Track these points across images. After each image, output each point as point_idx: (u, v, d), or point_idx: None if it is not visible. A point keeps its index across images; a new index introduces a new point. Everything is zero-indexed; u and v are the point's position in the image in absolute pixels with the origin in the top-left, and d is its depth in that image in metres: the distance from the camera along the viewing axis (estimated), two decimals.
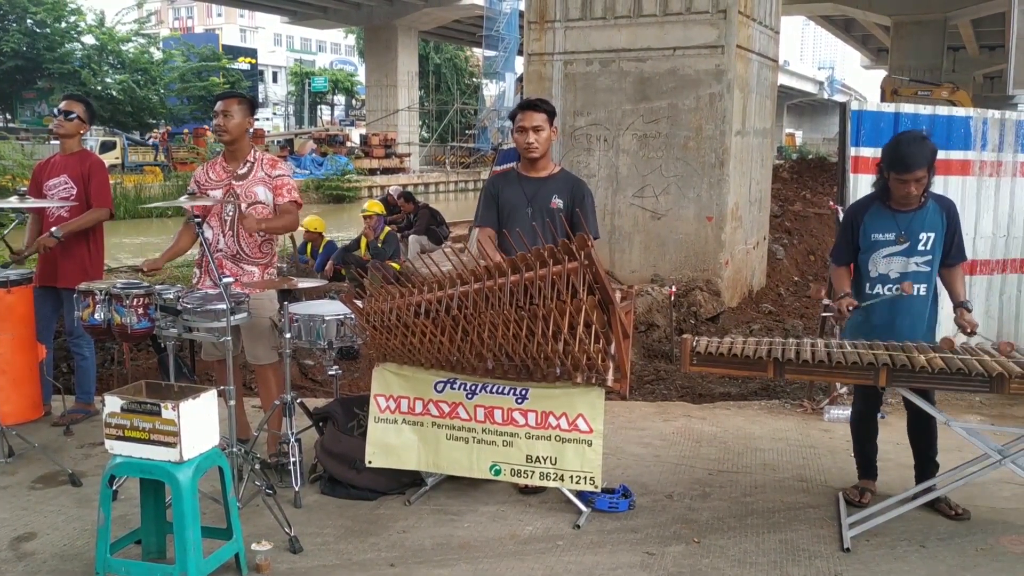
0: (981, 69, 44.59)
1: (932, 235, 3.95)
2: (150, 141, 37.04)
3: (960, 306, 3.97)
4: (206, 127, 38.50)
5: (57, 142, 5.46)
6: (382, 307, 3.87)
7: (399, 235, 11.30)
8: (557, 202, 4.17)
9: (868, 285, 4.05)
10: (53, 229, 5.00)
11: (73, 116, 5.25)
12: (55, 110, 5.36)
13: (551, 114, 4.27)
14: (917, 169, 3.79)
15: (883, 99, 22.75)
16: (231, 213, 4.57)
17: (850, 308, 3.99)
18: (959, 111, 6.22)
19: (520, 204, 4.22)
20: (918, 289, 3.95)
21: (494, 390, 3.92)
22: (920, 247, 3.96)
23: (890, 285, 3.99)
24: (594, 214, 4.27)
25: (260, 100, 55.01)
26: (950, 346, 3.61)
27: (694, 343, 3.75)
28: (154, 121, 40.05)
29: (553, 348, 3.55)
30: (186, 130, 39.28)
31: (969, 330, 3.86)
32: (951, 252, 3.99)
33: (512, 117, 4.30)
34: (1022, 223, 6.34)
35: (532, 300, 3.48)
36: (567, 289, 3.41)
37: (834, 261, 4.29)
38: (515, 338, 3.58)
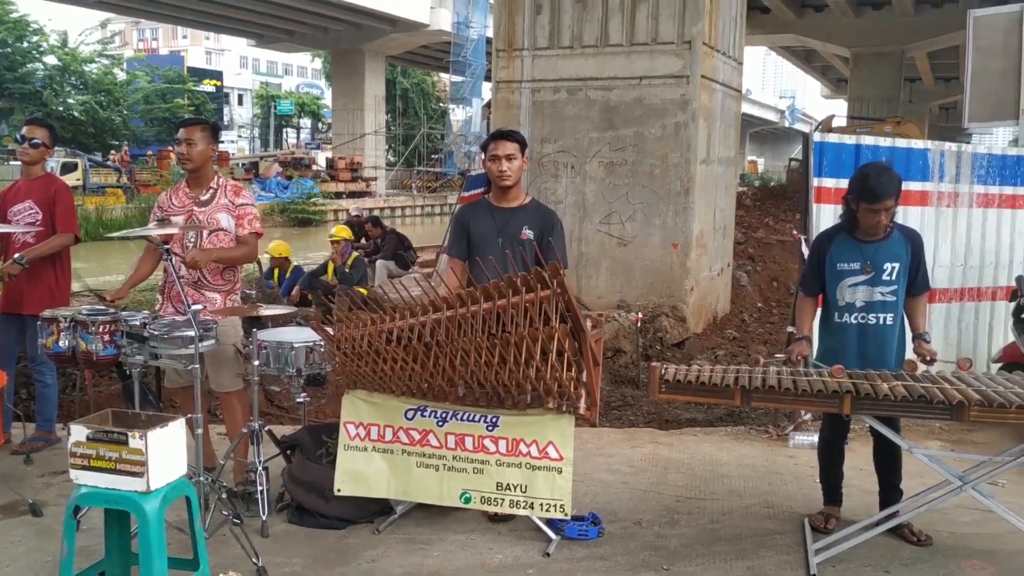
0: (937, 100, 45.65)
1: (897, 265, 4.04)
2: (110, 163, 36.63)
3: (919, 337, 4.06)
4: (170, 149, 38.20)
5: (18, 163, 5.39)
6: (353, 334, 3.86)
7: (366, 260, 11.27)
8: (528, 233, 4.20)
9: (836, 314, 4.13)
10: (16, 256, 4.93)
11: (37, 143, 5.19)
12: (17, 136, 5.30)
13: (523, 144, 4.32)
14: (887, 199, 3.89)
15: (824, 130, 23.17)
16: (192, 240, 4.54)
17: (800, 358, 4.04)
18: (918, 143, 6.38)
19: (491, 235, 4.24)
20: (884, 319, 4.04)
21: (465, 417, 3.93)
22: (885, 277, 4.04)
23: (856, 314, 4.07)
24: (564, 244, 4.31)
25: (225, 123, 54.75)
26: (912, 369, 3.70)
27: (662, 371, 3.78)
28: (117, 143, 39.69)
29: (525, 375, 3.57)
30: (150, 152, 38.93)
31: (928, 358, 3.95)
32: (915, 282, 4.08)
33: (484, 147, 4.34)
34: (979, 253, 6.50)
35: (504, 328, 3.50)
36: (539, 317, 3.44)
37: (802, 291, 4.37)
38: (487, 365, 3.59)
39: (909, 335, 4.17)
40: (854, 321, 4.09)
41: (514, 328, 3.50)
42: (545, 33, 10.15)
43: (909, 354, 4.08)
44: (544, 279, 3.45)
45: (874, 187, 3.90)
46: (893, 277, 4.04)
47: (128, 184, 32.88)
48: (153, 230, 4.09)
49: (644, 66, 9.73)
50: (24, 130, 5.26)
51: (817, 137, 5.98)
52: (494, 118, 10.89)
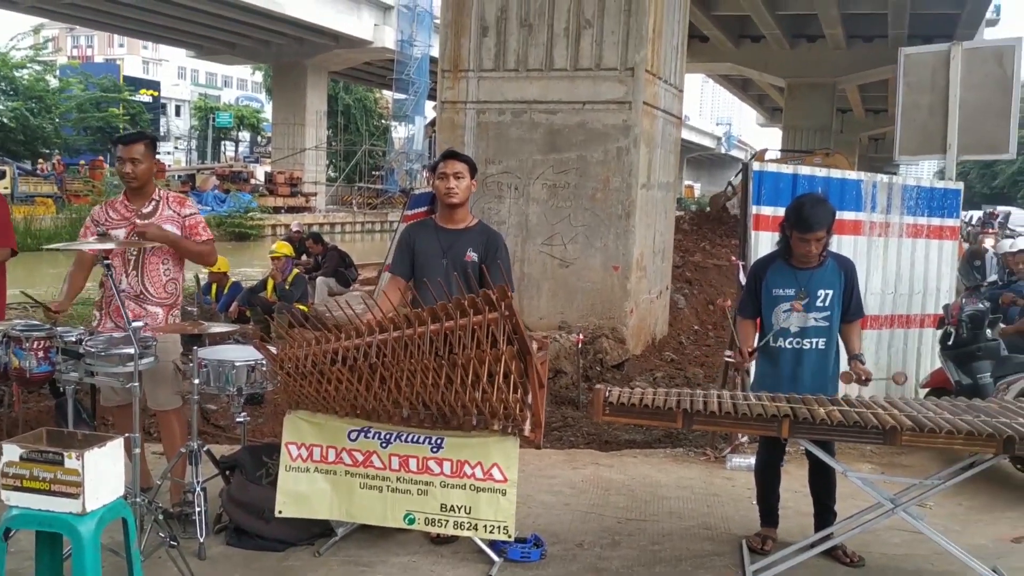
0: (867, 131, 47.20)
1: (830, 292, 4.18)
2: (38, 171, 35.55)
3: (854, 358, 4.20)
4: (101, 159, 37.30)
5: None
6: (297, 353, 3.83)
7: (307, 277, 11.16)
8: (472, 255, 4.22)
9: (772, 338, 4.25)
10: None
11: None
12: None
13: (472, 166, 4.35)
14: (819, 229, 4.03)
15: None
16: (135, 253, 4.46)
17: (749, 352, 4.22)
18: (851, 174, 6.60)
19: (435, 255, 4.26)
20: (817, 344, 4.18)
21: (409, 439, 3.91)
22: (819, 303, 4.18)
23: (791, 339, 4.19)
24: (509, 267, 4.34)
25: (162, 134, 53.72)
26: (848, 380, 3.88)
27: (607, 393, 3.83)
28: (48, 151, 38.59)
29: (471, 397, 3.58)
30: (82, 161, 37.91)
31: (864, 378, 4.08)
32: (849, 309, 4.22)
33: (433, 168, 4.36)
34: (908, 281, 6.73)
35: (452, 349, 3.51)
36: (487, 339, 3.46)
37: (740, 314, 4.49)
38: (434, 387, 3.60)
39: (843, 360, 4.30)
40: (788, 346, 4.22)
41: (461, 350, 3.52)
42: (491, 55, 10.21)
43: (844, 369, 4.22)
44: (492, 301, 3.47)
45: (807, 217, 4.05)
46: (827, 304, 4.18)
47: (59, 194, 31.96)
48: (96, 244, 4.00)
49: (588, 91, 9.85)
50: None
51: (756, 166, 6.13)
52: (439, 138, 10.89)
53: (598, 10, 9.69)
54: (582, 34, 9.84)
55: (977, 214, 29.47)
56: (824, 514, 4.28)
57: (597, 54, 9.80)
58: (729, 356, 4.72)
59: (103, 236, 4.27)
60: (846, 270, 4.25)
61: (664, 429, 6.73)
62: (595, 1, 9.69)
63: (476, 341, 3.50)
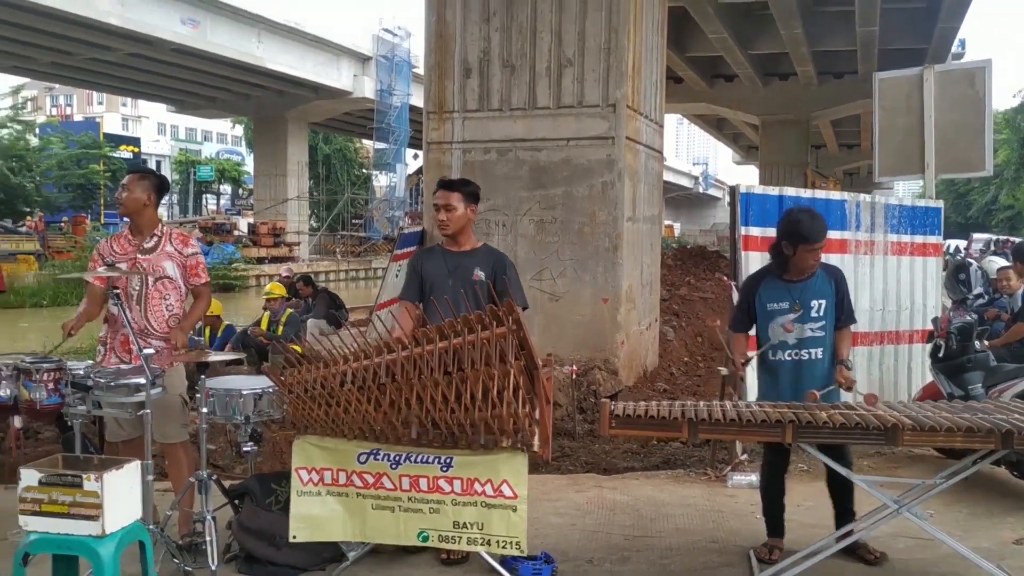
0: (841, 165, 47.92)
1: (824, 302, 4.29)
2: (23, 229, 35.50)
3: (840, 363, 4.28)
4: (84, 215, 37.26)
5: None
6: (306, 376, 3.87)
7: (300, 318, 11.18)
8: (479, 274, 4.33)
9: (770, 352, 4.35)
10: None
11: None
12: None
13: (468, 194, 4.46)
14: (823, 240, 4.23)
15: (808, 184, 25.53)
16: (137, 287, 4.51)
17: (744, 360, 4.33)
18: (835, 194, 6.76)
19: (442, 276, 4.35)
20: (815, 354, 4.27)
21: (418, 459, 3.95)
22: (813, 314, 4.29)
23: (790, 351, 4.28)
24: (519, 283, 4.43)
25: None
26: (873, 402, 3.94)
27: (612, 407, 3.90)
28: (29, 209, 38.56)
29: (481, 415, 3.63)
30: (65, 219, 37.84)
31: (847, 386, 4.17)
32: (841, 316, 4.33)
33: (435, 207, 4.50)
34: (895, 298, 6.86)
35: (460, 366, 3.57)
36: (495, 354, 3.52)
37: (732, 329, 4.59)
38: (444, 405, 3.65)
39: None
40: (788, 358, 4.31)
41: (470, 365, 3.58)
42: (475, 96, 10.39)
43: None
44: (499, 317, 3.54)
45: (811, 230, 4.19)
46: (821, 313, 4.29)
47: (41, 251, 31.87)
48: (102, 272, 4.06)
49: (571, 128, 10.02)
50: None
51: (743, 188, 6.27)
52: (425, 178, 11.01)
53: (579, 49, 9.91)
54: (563, 73, 10.04)
55: (955, 243, 29.62)
56: (844, 516, 4.33)
57: (579, 91, 9.99)
58: (723, 369, 4.80)
59: (110, 267, 4.32)
60: (836, 278, 4.38)
61: (663, 454, 6.80)
62: (575, 41, 9.91)
63: (485, 357, 3.56)
